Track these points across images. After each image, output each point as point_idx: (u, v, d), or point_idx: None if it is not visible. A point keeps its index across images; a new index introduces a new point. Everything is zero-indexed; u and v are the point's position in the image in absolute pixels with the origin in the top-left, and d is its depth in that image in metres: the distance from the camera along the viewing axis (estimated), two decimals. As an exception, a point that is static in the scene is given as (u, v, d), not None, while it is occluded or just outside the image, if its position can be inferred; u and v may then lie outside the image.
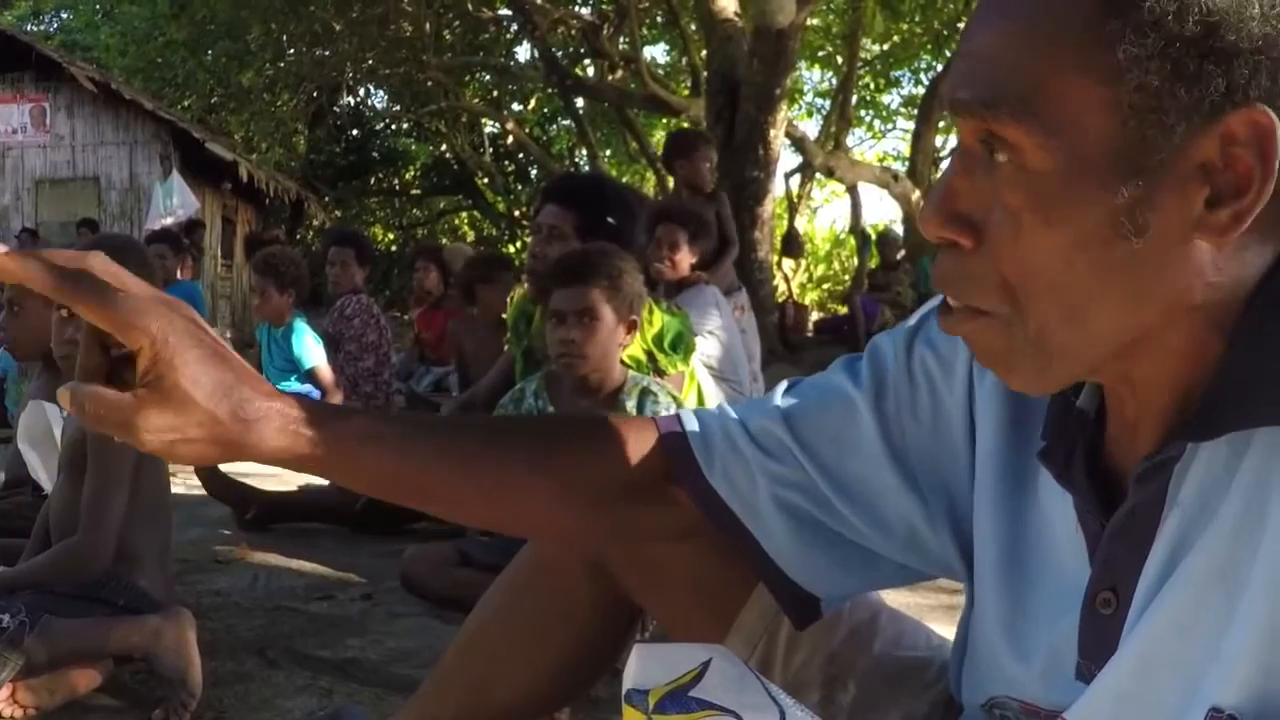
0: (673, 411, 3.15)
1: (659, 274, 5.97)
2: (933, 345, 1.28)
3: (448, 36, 22.18)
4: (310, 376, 6.32)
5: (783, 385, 1.38)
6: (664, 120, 24.70)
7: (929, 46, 20.48)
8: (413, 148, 32.09)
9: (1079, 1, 0.90)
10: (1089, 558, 1.07)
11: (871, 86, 23.26)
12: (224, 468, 4.65)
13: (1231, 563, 0.93)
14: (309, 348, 6.35)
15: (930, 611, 2.91)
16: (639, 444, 1.33)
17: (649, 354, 3.72)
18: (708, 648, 1.24)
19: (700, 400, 3.86)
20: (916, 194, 17.10)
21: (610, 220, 3.95)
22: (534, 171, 28.62)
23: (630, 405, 3.25)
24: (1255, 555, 0.91)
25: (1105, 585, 1.05)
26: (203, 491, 4.65)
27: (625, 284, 3.26)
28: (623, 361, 3.39)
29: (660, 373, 3.68)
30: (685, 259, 6.09)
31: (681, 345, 3.85)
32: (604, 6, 21.58)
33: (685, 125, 22.39)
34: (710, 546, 1.37)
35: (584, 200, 3.91)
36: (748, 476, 1.31)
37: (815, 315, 18.07)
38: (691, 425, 1.35)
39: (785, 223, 18.40)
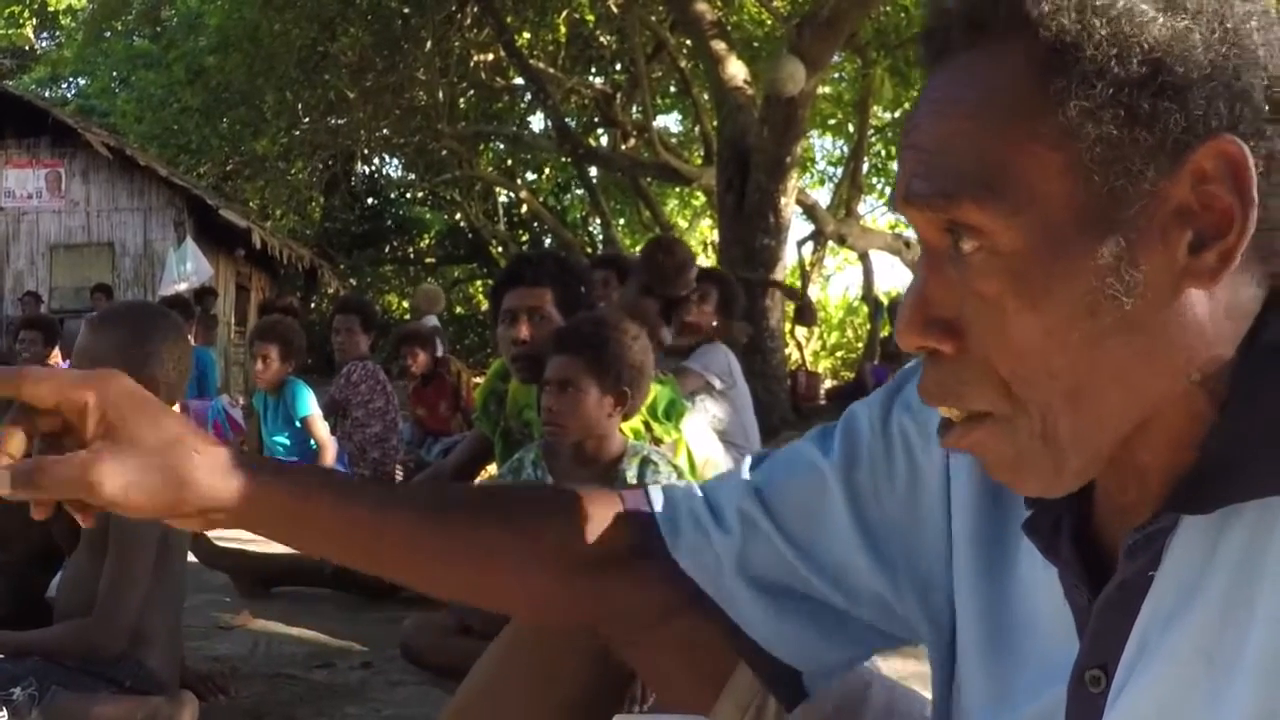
0: (674, 479, 3.16)
1: (694, 323, 6.13)
2: (911, 411, 1.25)
3: (462, 105, 22.33)
4: (306, 425, 6.31)
5: (751, 459, 1.36)
6: (677, 189, 24.83)
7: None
8: (427, 216, 32.25)
9: (1016, 70, 0.88)
10: (1077, 632, 1.03)
11: (883, 154, 23.30)
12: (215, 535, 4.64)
13: (1219, 644, 0.89)
14: (309, 399, 6.37)
15: (926, 679, 2.87)
16: (608, 520, 1.31)
17: (646, 425, 3.69)
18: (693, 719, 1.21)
19: (691, 463, 3.84)
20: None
21: (583, 291, 3.99)
22: (548, 240, 28.68)
23: (630, 475, 3.22)
24: (1245, 638, 0.87)
25: (1094, 662, 1.00)
26: (205, 557, 4.64)
27: (613, 356, 3.21)
28: (621, 431, 3.37)
29: (657, 441, 3.65)
30: (710, 315, 6.24)
31: (674, 412, 3.84)
32: (617, 76, 21.73)
33: (699, 195, 22.51)
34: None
35: (555, 276, 3.88)
36: (713, 553, 1.29)
37: (828, 383, 18.05)
38: (658, 503, 1.34)
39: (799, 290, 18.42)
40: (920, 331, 0.94)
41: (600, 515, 1.31)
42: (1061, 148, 0.87)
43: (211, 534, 4.77)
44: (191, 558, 4.75)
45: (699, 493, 1.34)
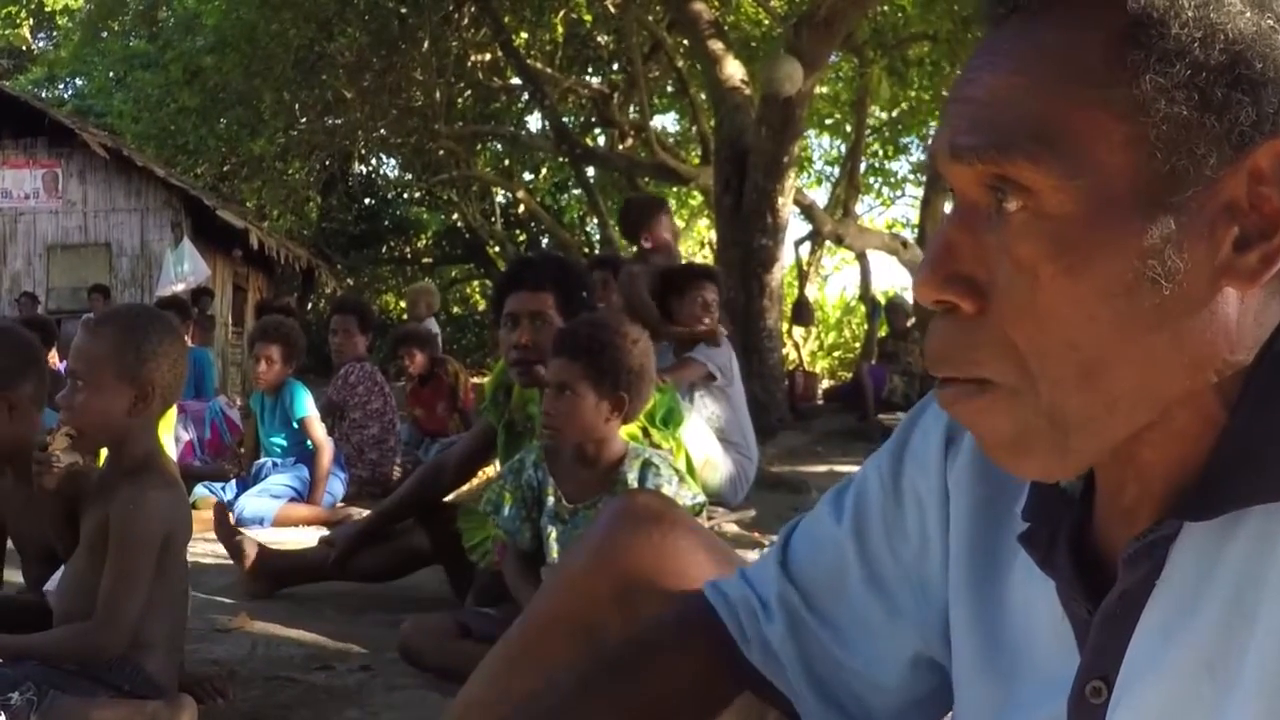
0: (674, 483, 3.16)
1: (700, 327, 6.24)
2: (914, 456, 1.24)
3: (459, 105, 22.31)
4: (303, 426, 6.32)
5: (781, 535, 1.36)
6: (674, 189, 24.83)
7: (937, 113, 20.47)
8: (424, 216, 32.22)
9: (1094, 36, 0.87)
10: (1077, 645, 1.01)
11: (880, 153, 23.29)
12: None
13: (1221, 655, 0.88)
14: (307, 401, 6.38)
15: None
16: (692, 656, 1.34)
17: (644, 430, 3.69)
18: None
19: (689, 466, 3.84)
20: (926, 261, 17.03)
21: (584, 295, 3.99)
22: (545, 240, 28.68)
23: (631, 477, 3.22)
24: (1246, 651, 0.86)
25: (1096, 674, 0.98)
26: (204, 560, 4.62)
27: (611, 361, 3.21)
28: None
29: (655, 447, 3.65)
30: (715, 323, 6.37)
31: (672, 420, 3.84)
32: (614, 76, 21.72)
33: (696, 195, 22.50)
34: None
35: (556, 279, 3.88)
36: (773, 648, 1.30)
37: (826, 383, 18.03)
38: (719, 601, 1.35)
39: (795, 291, 18.40)
40: (940, 285, 0.93)
41: (685, 654, 1.34)
42: (1129, 119, 0.86)
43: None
44: (194, 560, 4.75)
45: (748, 583, 1.35)
